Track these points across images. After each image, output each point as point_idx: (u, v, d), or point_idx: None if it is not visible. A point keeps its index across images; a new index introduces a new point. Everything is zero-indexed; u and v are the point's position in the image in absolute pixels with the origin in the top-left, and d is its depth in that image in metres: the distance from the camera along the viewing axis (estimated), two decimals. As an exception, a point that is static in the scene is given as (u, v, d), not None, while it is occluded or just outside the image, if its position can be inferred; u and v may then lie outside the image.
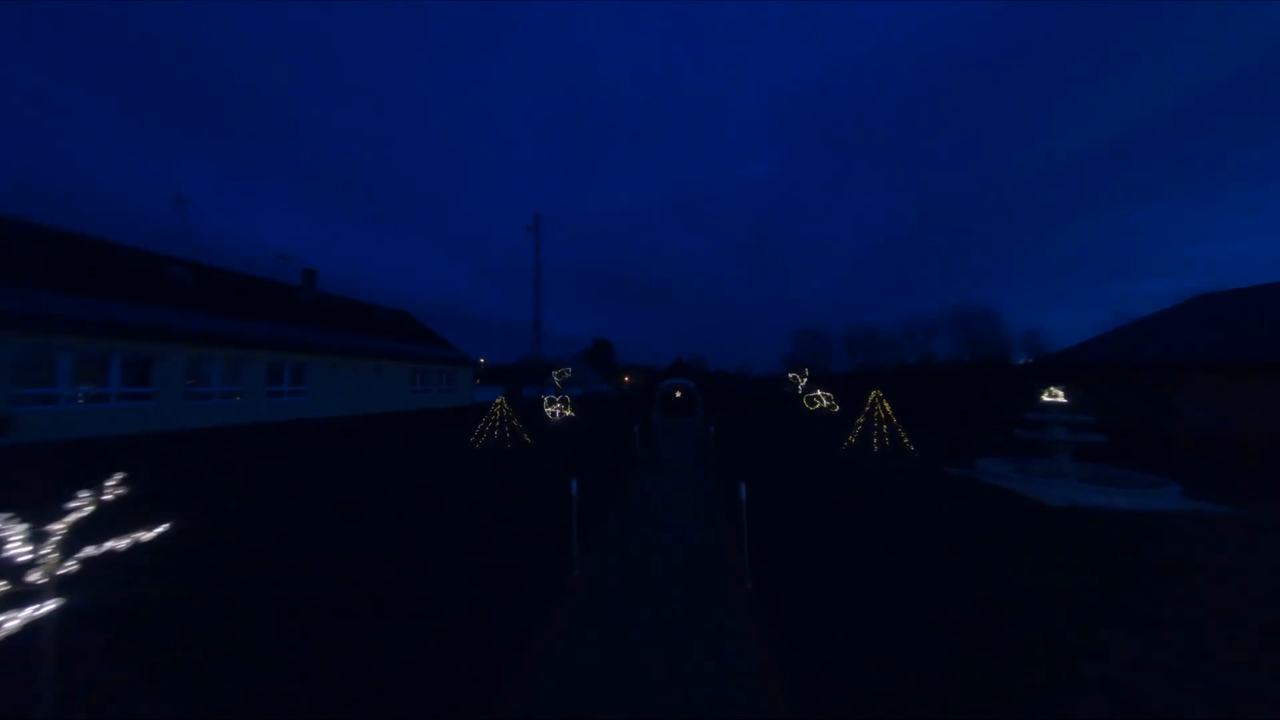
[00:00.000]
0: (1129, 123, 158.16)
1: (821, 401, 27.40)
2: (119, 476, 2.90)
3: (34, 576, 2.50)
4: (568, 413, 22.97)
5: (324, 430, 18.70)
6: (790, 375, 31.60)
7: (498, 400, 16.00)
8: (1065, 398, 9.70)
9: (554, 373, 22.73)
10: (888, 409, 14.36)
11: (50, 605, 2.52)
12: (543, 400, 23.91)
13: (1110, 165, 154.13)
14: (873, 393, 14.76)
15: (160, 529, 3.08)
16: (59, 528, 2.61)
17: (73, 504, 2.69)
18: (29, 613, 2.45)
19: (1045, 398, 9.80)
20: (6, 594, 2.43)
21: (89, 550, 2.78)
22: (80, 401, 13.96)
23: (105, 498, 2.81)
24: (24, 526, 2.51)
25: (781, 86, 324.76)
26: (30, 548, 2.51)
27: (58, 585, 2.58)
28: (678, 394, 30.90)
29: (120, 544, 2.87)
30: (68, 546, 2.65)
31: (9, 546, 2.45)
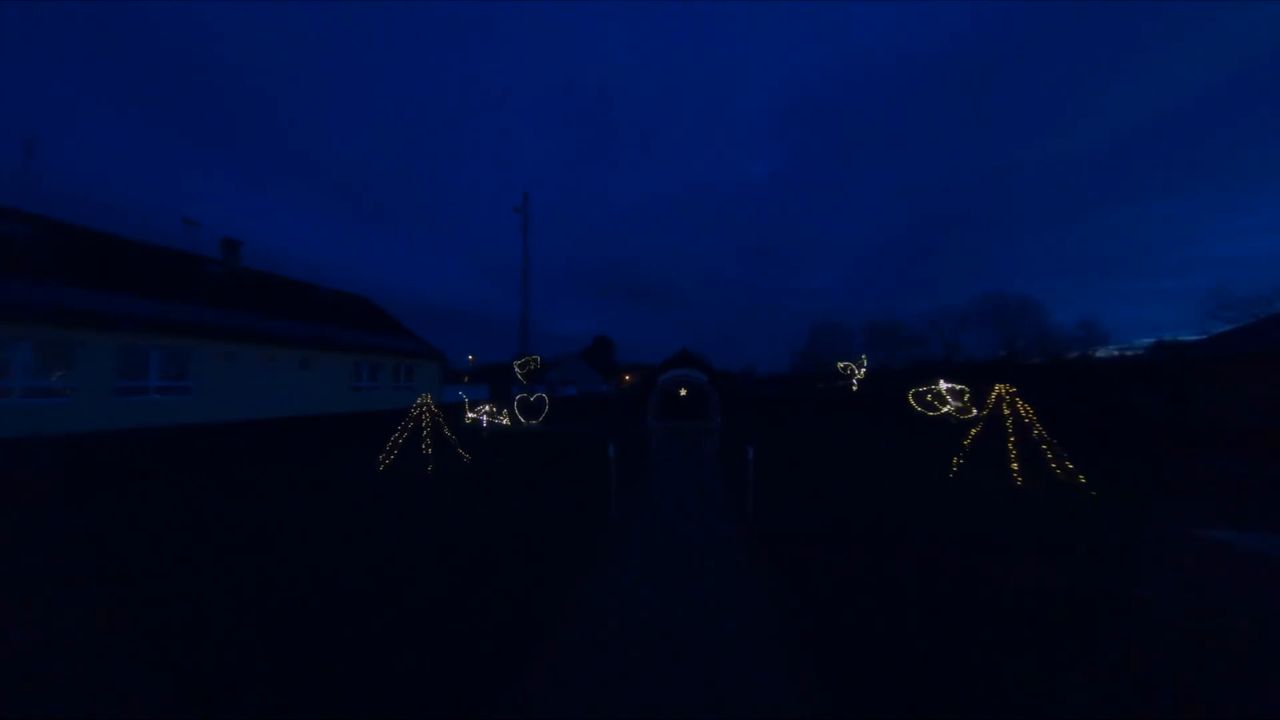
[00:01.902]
0: (1138, 119, 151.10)
1: (949, 402, 18.45)
2: None
3: None
4: (504, 420, 17.57)
5: (201, 442, 13.50)
6: (841, 366, 25.86)
7: (420, 400, 10.74)
8: None
9: (515, 364, 16.97)
10: (1028, 413, 9.03)
11: None
12: (517, 400, 18.65)
13: (1125, 160, 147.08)
14: (997, 387, 9.43)
15: None
16: None
17: None
18: None
19: None
20: None
21: None
22: None
23: None
24: None
25: (788, 79, 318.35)
26: None
27: None
28: (683, 392, 24.97)
29: None
30: None
31: None
